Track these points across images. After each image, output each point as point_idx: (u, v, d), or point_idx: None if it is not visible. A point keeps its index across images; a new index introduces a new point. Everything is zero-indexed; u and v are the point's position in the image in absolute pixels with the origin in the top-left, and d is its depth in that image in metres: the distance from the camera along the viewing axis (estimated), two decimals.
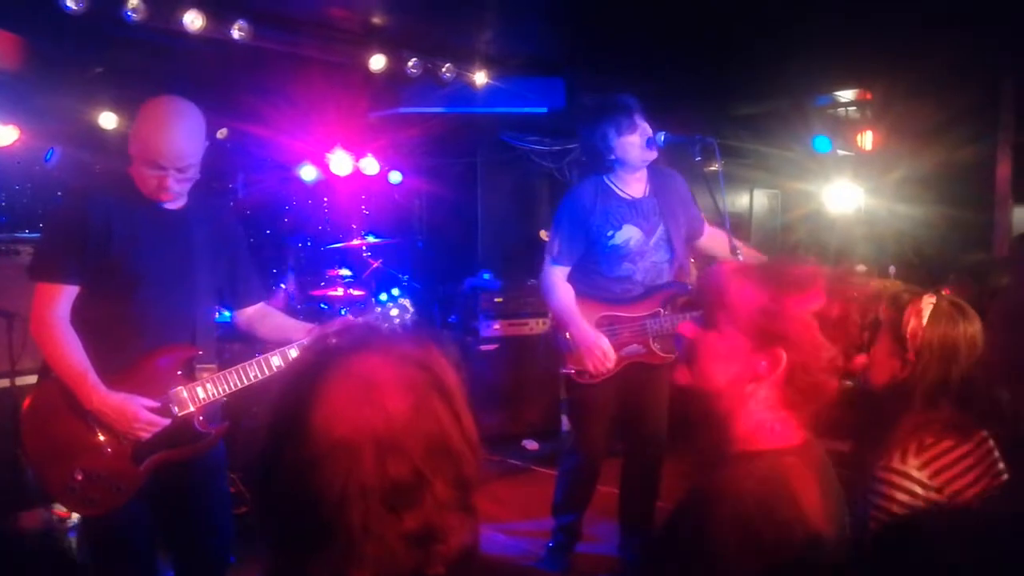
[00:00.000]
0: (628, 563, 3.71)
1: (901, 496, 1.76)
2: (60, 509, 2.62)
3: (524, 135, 6.60)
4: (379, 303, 2.83)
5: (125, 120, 5.30)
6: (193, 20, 4.32)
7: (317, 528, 0.93)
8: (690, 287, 3.54)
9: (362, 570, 0.94)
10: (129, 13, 4.11)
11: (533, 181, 6.84)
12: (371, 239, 6.25)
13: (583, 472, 3.64)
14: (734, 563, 1.29)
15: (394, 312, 2.78)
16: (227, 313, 2.92)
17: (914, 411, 1.89)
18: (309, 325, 2.74)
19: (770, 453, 1.43)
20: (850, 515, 1.54)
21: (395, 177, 7.07)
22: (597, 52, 5.53)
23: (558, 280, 3.47)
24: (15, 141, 5.20)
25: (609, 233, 3.41)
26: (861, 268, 2.91)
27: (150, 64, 4.84)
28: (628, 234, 3.43)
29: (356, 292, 5.83)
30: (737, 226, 6.79)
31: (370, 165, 6.78)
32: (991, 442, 1.92)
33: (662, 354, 3.48)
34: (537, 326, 5.69)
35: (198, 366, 2.50)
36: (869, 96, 6.04)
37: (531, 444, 5.69)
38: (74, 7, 3.97)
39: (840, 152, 6.12)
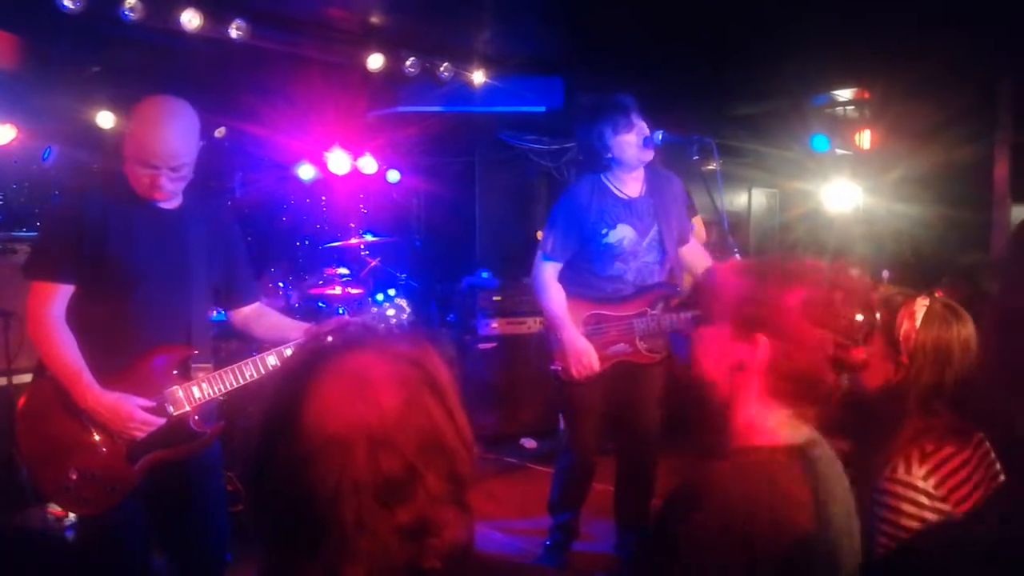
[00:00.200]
0: (624, 561, 3.71)
1: (908, 507, 1.75)
2: (56, 508, 2.62)
3: (522, 134, 6.60)
4: (375, 303, 2.83)
5: (122, 119, 5.30)
6: (191, 19, 4.32)
7: (311, 524, 0.94)
8: (679, 288, 3.55)
9: (356, 565, 0.94)
10: (126, 12, 4.11)
11: (531, 180, 6.85)
12: (369, 238, 6.25)
13: (577, 470, 3.65)
14: (717, 558, 1.30)
15: (390, 312, 2.78)
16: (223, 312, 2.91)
17: (912, 417, 1.88)
18: (305, 324, 2.73)
19: (764, 449, 1.44)
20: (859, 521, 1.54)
21: (393, 176, 7.07)
22: (595, 51, 5.53)
23: (550, 279, 3.48)
24: (12, 140, 5.20)
25: (604, 231, 3.42)
26: (854, 272, 2.91)
27: (148, 63, 4.83)
28: (622, 233, 3.43)
29: (354, 291, 5.83)
30: (736, 225, 6.81)
31: (368, 164, 6.78)
32: (987, 444, 1.91)
33: (648, 354, 3.50)
34: (535, 325, 5.69)
35: (194, 365, 2.50)
36: (867, 95, 6.04)
37: (529, 442, 5.69)
38: (71, 6, 3.96)
39: (838, 151, 6.13)
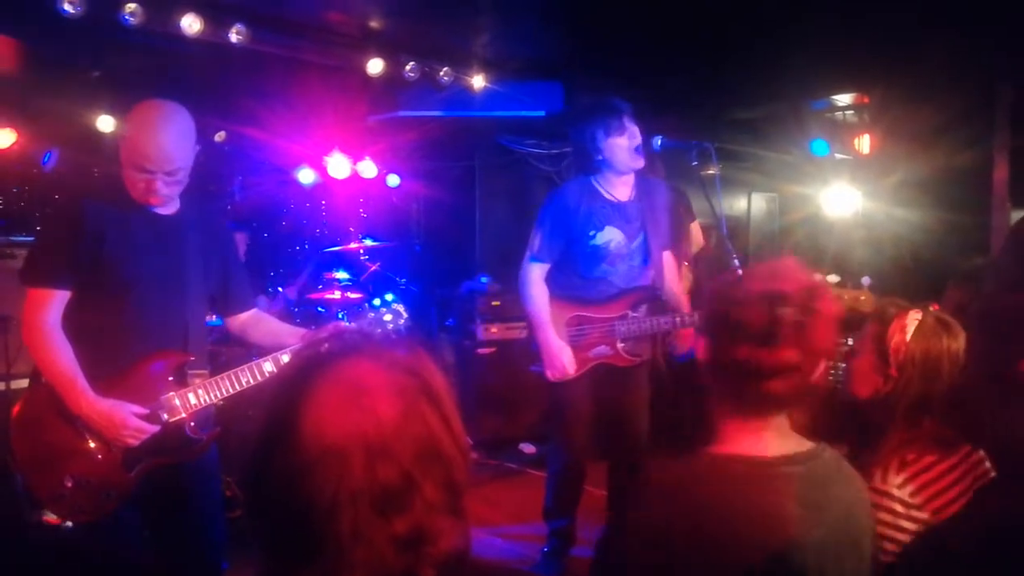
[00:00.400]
0: None
1: (884, 516, 1.76)
2: (50, 516, 2.60)
3: (522, 139, 6.61)
4: (372, 308, 2.83)
5: (123, 124, 5.30)
6: (191, 24, 4.33)
7: (308, 533, 0.94)
8: (660, 293, 3.57)
9: (352, 574, 0.94)
10: (127, 17, 4.11)
11: (531, 185, 6.84)
12: (369, 242, 6.25)
13: (568, 473, 3.65)
14: (640, 557, 1.36)
15: (387, 317, 2.77)
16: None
17: (896, 428, 1.90)
18: (302, 330, 2.72)
19: (723, 457, 1.44)
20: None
21: (393, 180, 7.07)
22: (595, 56, 5.53)
23: (535, 280, 3.50)
24: (13, 144, 5.21)
25: (591, 233, 3.44)
26: (833, 279, 2.93)
27: (148, 68, 4.84)
28: (609, 236, 3.45)
29: (354, 295, 5.83)
30: (735, 229, 6.81)
31: (368, 168, 6.79)
32: (980, 454, 1.92)
33: (628, 356, 3.52)
34: None
35: (190, 372, 2.48)
36: (866, 100, 6.04)
37: (528, 447, 5.68)
38: (71, 11, 3.97)
39: (838, 156, 6.13)
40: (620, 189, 3.50)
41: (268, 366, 2.52)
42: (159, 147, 2.34)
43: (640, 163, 3.44)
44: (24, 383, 2.51)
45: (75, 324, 2.37)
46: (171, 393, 2.44)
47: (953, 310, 2.01)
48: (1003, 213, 5.24)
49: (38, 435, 2.35)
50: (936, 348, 1.93)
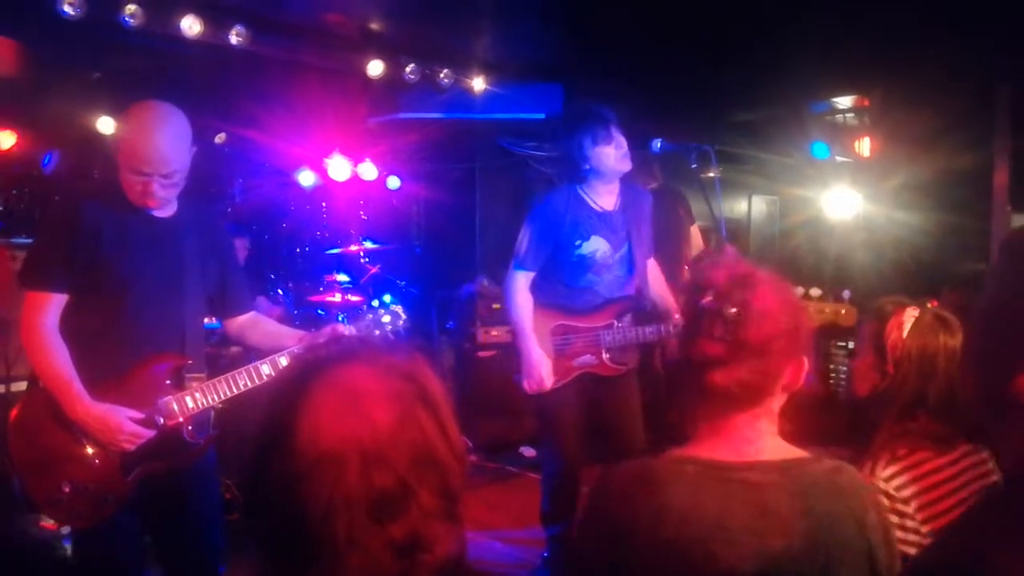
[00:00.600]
0: None
1: None
2: (48, 521, 2.58)
3: (522, 141, 6.60)
4: (371, 309, 2.82)
5: (119, 126, 5.30)
6: (191, 26, 4.33)
7: (303, 539, 0.93)
8: (645, 302, 3.56)
9: None
10: (127, 19, 4.12)
11: (531, 187, 6.83)
12: (369, 245, 6.25)
13: (562, 478, 3.63)
14: (587, 546, 1.41)
15: (386, 319, 2.76)
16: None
17: (891, 422, 1.90)
18: (300, 332, 2.71)
19: (680, 458, 1.43)
20: None
21: (393, 183, 7.07)
22: (595, 58, 5.54)
23: (520, 287, 3.50)
24: (13, 146, 5.20)
25: (577, 243, 3.43)
26: (815, 292, 2.95)
27: (148, 69, 4.84)
28: (595, 245, 3.45)
29: (354, 298, 5.83)
30: (735, 232, 6.80)
31: (368, 171, 6.79)
32: (982, 456, 1.92)
33: (613, 365, 3.51)
34: None
35: (187, 375, 2.47)
36: (867, 103, 6.04)
37: (528, 451, 5.67)
38: (72, 12, 3.97)
39: (838, 159, 6.12)
40: (606, 198, 3.50)
41: (266, 369, 2.51)
42: (155, 149, 2.33)
43: (627, 166, 3.44)
44: (24, 385, 2.51)
45: (72, 327, 2.36)
46: (168, 397, 2.42)
47: (951, 312, 2.01)
48: (1003, 216, 5.24)
49: (35, 439, 2.34)
50: (933, 344, 1.93)
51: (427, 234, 7.31)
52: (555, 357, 3.48)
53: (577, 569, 1.45)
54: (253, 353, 2.92)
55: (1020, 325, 0.96)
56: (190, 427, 2.46)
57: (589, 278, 3.48)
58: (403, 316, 2.79)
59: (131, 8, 4.11)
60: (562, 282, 3.50)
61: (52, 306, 2.35)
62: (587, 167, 3.42)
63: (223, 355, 4.18)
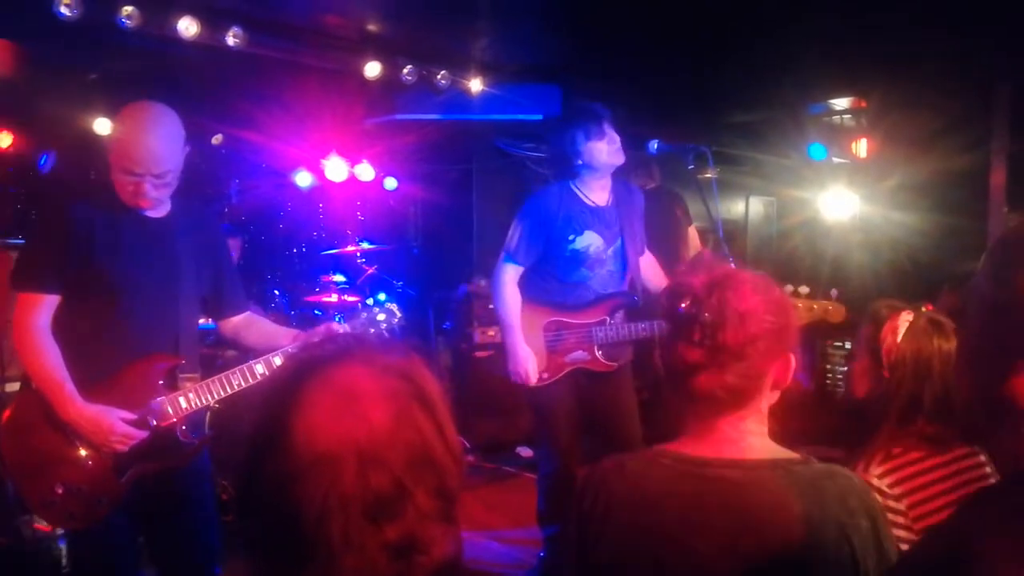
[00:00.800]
0: None
1: None
2: (42, 523, 2.57)
3: (519, 142, 6.61)
4: (366, 308, 2.80)
5: (112, 127, 5.29)
6: (188, 27, 4.32)
7: (298, 540, 0.92)
8: (638, 299, 3.55)
9: None
10: (123, 20, 4.11)
11: (528, 188, 6.82)
12: (366, 245, 6.25)
13: (558, 477, 3.63)
14: (575, 529, 1.44)
15: (381, 317, 2.75)
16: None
17: (889, 425, 1.91)
18: (295, 331, 2.70)
19: (659, 451, 1.45)
20: None
21: (390, 183, 7.07)
22: (592, 60, 5.53)
23: (508, 282, 3.50)
24: (9, 146, 5.20)
25: (570, 237, 3.43)
26: (804, 290, 2.97)
27: (145, 70, 4.83)
28: (589, 240, 3.45)
29: (350, 298, 5.83)
30: (733, 233, 6.80)
31: (365, 171, 6.78)
32: (979, 459, 1.92)
33: (605, 361, 3.50)
34: None
35: (181, 375, 2.46)
36: (864, 104, 6.05)
37: (525, 451, 5.66)
38: (68, 13, 3.96)
39: (835, 160, 6.13)
40: (598, 194, 3.50)
41: (260, 368, 2.50)
42: (146, 150, 2.32)
43: (621, 159, 3.44)
44: (16, 386, 2.50)
45: (65, 328, 2.35)
46: (161, 398, 2.41)
47: (948, 314, 2.02)
48: (1000, 217, 5.25)
49: (28, 441, 2.32)
50: (927, 348, 1.94)
51: (424, 235, 7.31)
52: (547, 353, 3.48)
53: (567, 562, 1.46)
54: (250, 354, 2.91)
55: (1014, 327, 0.96)
56: (184, 427, 2.45)
57: (582, 273, 3.48)
58: (398, 314, 2.78)
59: (128, 9, 4.10)
60: (555, 277, 3.49)
61: (44, 307, 2.34)
62: (580, 162, 3.42)
63: (219, 356, 4.18)
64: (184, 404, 2.43)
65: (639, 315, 3.51)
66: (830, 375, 5.47)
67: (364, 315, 2.76)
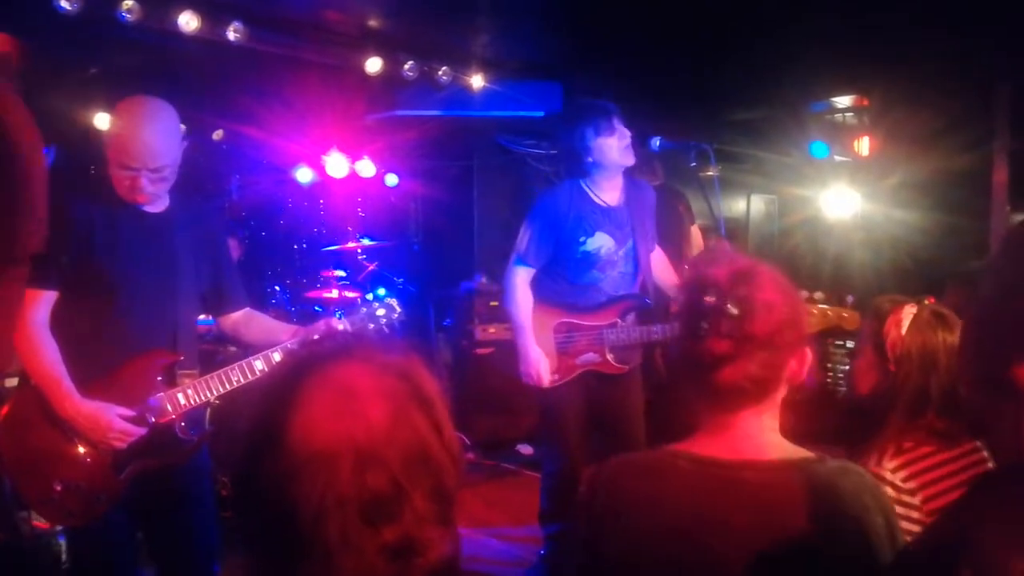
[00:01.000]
0: None
1: None
2: (40, 520, 2.56)
3: (520, 139, 6.59)
4: (365, 303, 2.79)
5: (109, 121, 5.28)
6: (188, 21, 4.32)
7: (294, 539, 0.92)
8: (649, 300, 3.54)
9: None
10: (123, 14, 4.10)
11: (529, 185, 6.83)
12: (367, 242, 6.24)
13: (562, 477, 3.62)
14: (583, 534, 1.43)
15: (380, 312, 2.73)
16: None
17: (898, 419, 1.90)
18: (294, 327, 2.69)
19: (673, 452, 1.43)
20: None
21: (391, 180, 7.06)
22: (594, 57, 5.52)
23: (520, 284, 3.48)
24: None
25: (581, 239, 3.41)
26: (819, 296, 2.95)
27: (145, 65, 4.82)
28: (600, 242, 3.42)
29: (351, 294, 5.82)
30: (734, 231, 6.79)
31: (366, 168, 6.77)
32: (983, 453, 1.92)
33: (616, 364, 3.49)
34: None
35: (179, 372, 2.45)
36: (866, 102, 6.03)
37: (525, 448, 5.66)
38: (68, 7, 3.96)
39: (837, 158, 6.11)
40: (610, 193, 3.47)
41: (259, 364, 2.49)
42: (142, 144, 2.32)
43: (631, 160, 3.41)
44: (14, 381, 2.49)
45: (63, 324, 2.35)
46: (160, 394, 2.40)
47: (952, 310, 2.01)
48: (1002, 216, 5.24)
49: (26, 438, 2.32)
50: (932, 341, 1.94)
51: (425, 231, 7.30)
52: (558, 355, 3.46)
53: (575, 561, 1.45)
54: (249, 351, 2.90)
55: (1019, 315, 0.95)
56: (183, 424, 2.44)
57: (594, 275, 3.46)
58: (397, 309, 2.76)
59: (128, 3, 4.09)
60: (566, 279, 3.47)
61: (42, 303, 2.34)
62: (590, 160, 3.39)
63: (219, 352, 4.17)
64: (183, 400, 2.42)
65: (651, 316, 3.50)
66: (831, 374, 5.46)
67: (363, 310, 2.74)
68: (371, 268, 6.27)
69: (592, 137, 3.35)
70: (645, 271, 3.54)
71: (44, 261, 2.34)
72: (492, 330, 5.77)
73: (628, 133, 3.38)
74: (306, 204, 7.31)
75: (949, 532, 0.94)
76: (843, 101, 6.15)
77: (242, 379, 2.47)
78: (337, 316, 2.74)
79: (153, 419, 2.38)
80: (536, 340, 3.44)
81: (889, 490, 1.77)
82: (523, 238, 3.49)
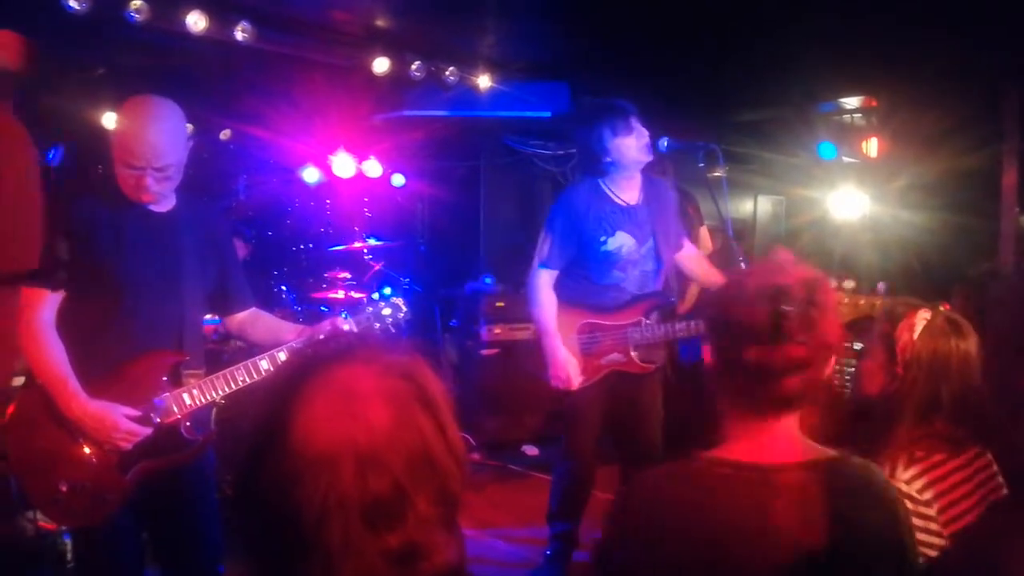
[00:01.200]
0: None
1: None
2: (45, 520, 2.55)
3: (527, 139, 6.59)
4: (371, 302, 2.78)
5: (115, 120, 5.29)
6: (196, 21, 4.32)
7: (296, 543, 0.91)
8: (673, 298, 3.53)
9: None
10: (132, 14, 4.11)
11: (536, 185, 6.83)
12: (373, 242, 6.23)
13: (575, 478, 3.62)
14: (618, 552, 1.40)
15: (386, 312, 2.72)
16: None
17: (906, 425, 1.88)
18: (300, 327, 2.68)
19: (712, 460, 1.43)
20: None
21: (398, 180, 7.05)
22: (601, 57, 5.51)
23: (543, 286, 3.47)
24: None
25: (602, 239, 3.40)
26: (849, 284, 2.91)
27: (153, 65, 4.83)
28: (621, 241, 3.41)
29: (357, 295, 5.82)
30: (741, 232, 6.77)
31: (373, 168, 6.77)
32: (988, 458, 1.91)
33: (641, 363, 3.48)
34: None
35: (185, 372, 2.45)
36: (874, 103, 6.01)
37: (531, 450, 5.66)
38: (77, 7, 3.96)
39: (845, 159, 6.10)
40: (628, 192, 3.46)
41: (264, 364, 2.48)
42: (146, 143, 2.30)
43: (648, 157, 3.41)
44: (20, 381, 2.49)
45: (69, 324, 2.34)
46: (165, 394, 2.40)
47: (960, 314, 2.00)
48: (1011, 217, 5.21)
49: (32, 438, 2.31)
50: (944, 348, 1.92)
51: (431, 232, 7.29)
52: (582, 356, 3.44)
53: (609, 570, 1.44)
54: (255, 348, 2.90)
55: None
56: (188, 424, 2.44)
57: (616, 275, 3.45)
58: (404, 308, 2.75)
59: (136, 3, 4.09)
60: (588, 279, 3.47)
61: (48, 302, 2.33)
62: (608, 160, 3.38)
63: (225, 351, 4.17)
64: (188, 400, 2.42)
65: (674, 315, 3.49)
66: (838, 375, 5.43)
67: (369, 310, 2.73)
68: (377, 268, 6.26)
69: (610, 138, 3.35)
70: (668, 268, 3.53)
71: (51, 261, 2.35)
72: (498, 331, 5.76)
73: (646, 132, 3.38)
74: (312, 204, 7.31)
75: (979, 549, 0.94)
76: (851, 102, 6.13)
77: (248, 379, 2.46)
78: (343, 316, 2.73)
79: (159, 419, 2.37)
80: (561, 342, 3.42)
81: (907, 503, 1.75)
82: (543, 244, 3.48)
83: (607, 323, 3.45)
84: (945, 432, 1.88)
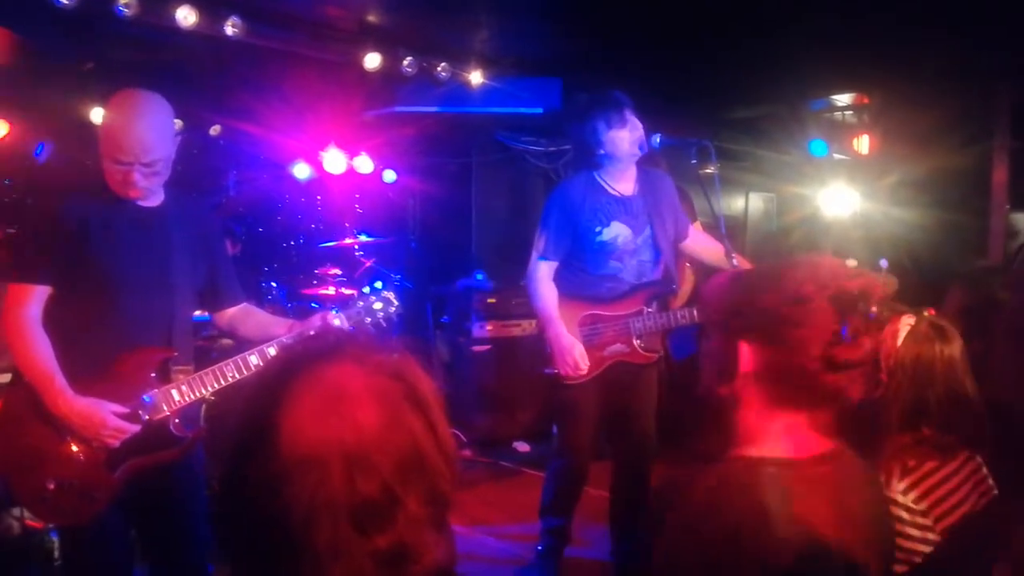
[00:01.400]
0: (619, 567, 3.68)
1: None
2: (32, 519, 2.53)
3: (519, 135, 6.57)
4: (362, 296, 2.75)
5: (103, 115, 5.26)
6: (186, 16, 4.29)
7: (282, 546, 0.89)
8: (675, 287, 3.53)
9: None
10: (121, 8, 4.08)
11: (528, 181, 6.81)
12: (364, 238, 6.21)
13: (570, 474, 3.61)
14: (680, 565, 1.35)
15: (377, 306, 2.70)
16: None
17: (894, 433, 1.87)
18: (290, 322, 2.66)
19: (752, 460, 1.41)
20: None
21: (389, 176, 7.03)
22: (593, 53, 5.50)
23: (543, 278, 3.47)
24: (5, 136, 5.16)
25: (597, 229, 3.40)
26: (852, 263, 2.87)
27: (142, 60, 4.80)
28: (616, 231, 3.42)
29: (348, 291, 5.80)
30: (733, 229, 6.77)
31: (364, 164, 6.75)
32: (978, 460, 1.90)
33: (645, 353, 3.48)
34: (529, 327, 5.65)
35: (174, 368, 2.43)
36: (866, 100, 6.02)
37: (522, 446, 5.66)
38: (66, 2, 3.93)
39: (836, 156, 6.11)
40: (623, 184, 3.47)
41: (254, 360, 2.46)
42: (133, 137, 2.29)
43: (644, 150, 3.41)
44: (6, 378, 2.47)
45: (56, 320, 2.32)
46: (154, 391, 2.37)
47: (956, 312, 1.99)
48: (1001, 215, 5.24)
49: (19, 435, 2.29)
50: (928, 354, 1.90)
51: (423, 228, 7.27)
52: (585, 348, 3.42)
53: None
54: (245, 345, 2.88)
55: None
56: (177, 421, 2.41)
57: (613, 265, 3.45)
58: (395, 303, 2.73)
59: None
60: (585, 270, 3.46)
61: (34, 298, 2.31)
62: (602, 152, 3.38)
63: (214, 348, 4.15)
64: (177, 397, 2.40)
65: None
66: None
67: (360, 304, 2.71)
68: (368, 264, 6.24)
69: (604, 131, 3.34)
70: (667, 258, 3.53)
71: (37, 256, 2.33)
72: (489, 327, 5.76)
73: (640, 124, 3.37)
74: (303, 200, 7.27)
75: (985, 531, 0.94)
76: (843, 99, 6.15)
77: (237, 375, 2.44)
78: (333, 311, 2.71)
79: (147, 416, 2.35)
80: (565, 330, 3.41)
81: (903, 513, 1.75)
82: (541, 234, 3.49)
83: (608, 314, 3.45)
84: (934, 439, 1.86)
